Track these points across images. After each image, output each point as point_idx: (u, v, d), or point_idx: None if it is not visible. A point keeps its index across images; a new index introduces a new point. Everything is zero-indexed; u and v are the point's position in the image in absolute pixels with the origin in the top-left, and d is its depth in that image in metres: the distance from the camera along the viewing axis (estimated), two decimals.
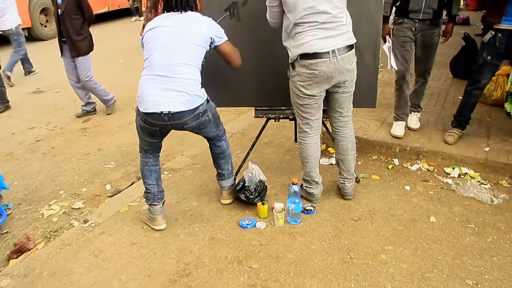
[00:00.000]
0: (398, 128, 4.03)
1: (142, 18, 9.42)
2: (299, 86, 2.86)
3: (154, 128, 2.84)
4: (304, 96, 2.88)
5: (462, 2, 12.67)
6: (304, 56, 2.74)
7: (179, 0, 2.79)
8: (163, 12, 2.88)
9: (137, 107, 2.83)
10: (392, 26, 3.86)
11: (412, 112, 4.17)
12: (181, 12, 2.81)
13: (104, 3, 13.48)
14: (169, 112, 2.71)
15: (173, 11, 2.82)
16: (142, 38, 2.88)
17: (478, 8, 12.97)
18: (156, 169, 3.08)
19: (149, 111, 2.73)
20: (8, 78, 7.43)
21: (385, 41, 3.75)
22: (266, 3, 2.82)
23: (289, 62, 2.88)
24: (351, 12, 2.85)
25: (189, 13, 2.83)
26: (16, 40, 7.57)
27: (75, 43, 5.34)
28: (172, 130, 2.93)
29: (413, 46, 3.83)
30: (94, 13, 5.52)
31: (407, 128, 4.10)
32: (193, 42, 2.77)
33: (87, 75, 5.54)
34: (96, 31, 11.33)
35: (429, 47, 3.81)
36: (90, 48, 5.53)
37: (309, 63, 2.74)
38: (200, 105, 2.80)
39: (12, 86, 7.40)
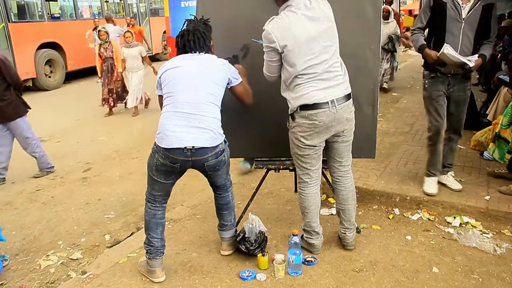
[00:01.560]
0: (431, 185, 3.87)
1: (99, 81, 8.87)
2: (299, 136, 2.89)
3: (174, 165, 2.84)
4: (304, 146, 2.91)
5: None
6: (304, 107, 2.79)
7: (197, 42, 2.89)
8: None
9: (155, 145, 2.85)
10: (424, 81, 3.80)
11: (448, 173, 3.97)
12: (199, 53, 2.91)
13: None
14: (193, 147, 2.76)
15: (191, 52, 2.91)
16: (160, 78, 2.93)
17: None
18: (163, 222, 3.06)
19: (174, 147, 2.75)
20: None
21: (436, 63, 3.55)
22: (264, 57, 2.89)
23: (289, 113, 2.93)
24: (350, 66, 2.93)
25: (206, 54, 2.94)
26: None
27: None
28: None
29: (446, 101, 3.74)
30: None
31: (449, 189, 3.89)
32: (215, 82, 2.88)
33: (26, 136, 5.33)
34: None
35: (463, 102, 3.74)
36: (18, 113, 5.21)
37: (309, 113, 2.79)
38: (220, 144, 2.88)
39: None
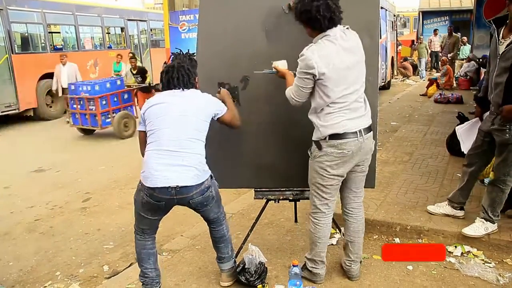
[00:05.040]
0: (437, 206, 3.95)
1: None
2: (326, 166, 2.84)
3: (159, 204, 2.82)
4: (329, 176, 2.87)
5: (454, 83, 13.20)
6: (334, 136, 2.79)
7: (181, 79, 2.90)
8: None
9: (140, 183, 2.84)
10: None
11: (479, 216, 3.64)
12: (183, 90, 2.92)
13: None
14: (177, 186, 2.73)
15: (175, 89, 2.92)
16: (144, 114, 2.91)
17: (469, 87, 13.48)
18: (154, 252, 3.03)
19: (158, 186, 2.73)
20: None
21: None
22: (297, 83, 2.81)
23: (314, 141, 2.88)
24: None
25: (191, 90, 2.95)
26: None
27: None
28: (172, 209, 2.92)
29: (486, 140, 3.51)
30: None
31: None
32: (200, 117, 2.88)
33: None
34: None
35: (500, 144, 3.39)
36: None
37: (339, 143, 2.78)
38: (205, 180, 2.85)
39: None
